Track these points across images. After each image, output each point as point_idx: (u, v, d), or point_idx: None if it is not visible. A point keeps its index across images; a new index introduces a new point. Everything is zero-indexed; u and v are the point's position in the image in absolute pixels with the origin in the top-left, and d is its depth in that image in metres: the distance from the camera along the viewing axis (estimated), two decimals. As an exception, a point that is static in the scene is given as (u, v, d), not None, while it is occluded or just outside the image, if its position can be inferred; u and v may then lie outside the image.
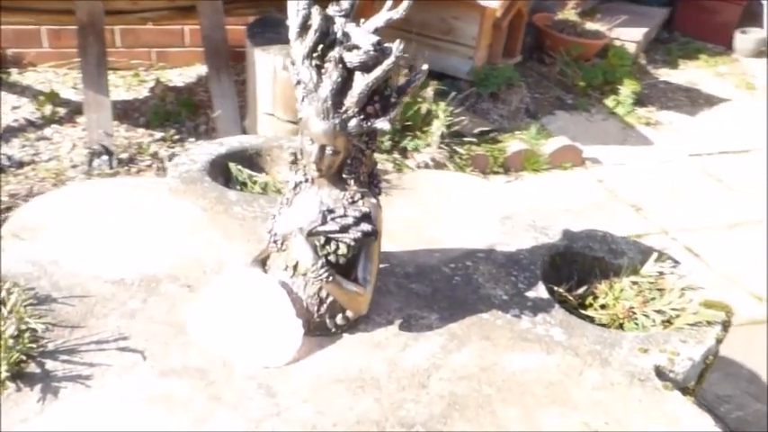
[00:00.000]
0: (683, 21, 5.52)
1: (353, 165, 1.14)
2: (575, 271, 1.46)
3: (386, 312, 1.26)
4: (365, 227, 1.13)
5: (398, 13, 1.10)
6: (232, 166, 1.68)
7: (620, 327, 1.35)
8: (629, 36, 4.84)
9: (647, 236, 3.07)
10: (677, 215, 3.38)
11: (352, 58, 1.07)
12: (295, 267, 1.16)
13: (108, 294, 1.24)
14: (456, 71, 3.87)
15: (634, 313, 1.35)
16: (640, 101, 4.35)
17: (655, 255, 1.44)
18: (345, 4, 1.11)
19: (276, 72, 3.01)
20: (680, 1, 5.52)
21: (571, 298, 1.40)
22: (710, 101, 4.59)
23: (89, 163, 3.10)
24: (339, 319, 1.19)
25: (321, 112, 1.09)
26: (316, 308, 1.17)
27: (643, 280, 1.41)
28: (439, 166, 3.35)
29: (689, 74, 4.96)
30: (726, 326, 1.30)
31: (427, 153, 3.40)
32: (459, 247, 1.46)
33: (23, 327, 1.11)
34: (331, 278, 1.13)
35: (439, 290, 1.33)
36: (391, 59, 1.06)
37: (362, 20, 1.14)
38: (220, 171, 1.67)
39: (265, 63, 3.04)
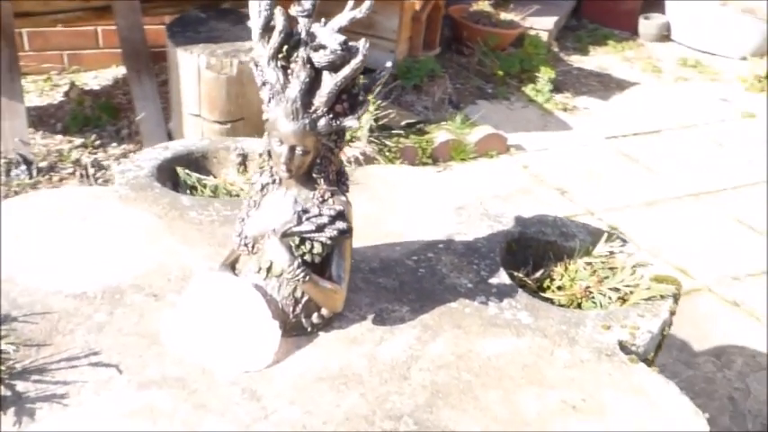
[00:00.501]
0: (590, 8, 5.74)
1: (323, 164, 1.14)
2: (530, 256, 1.51)
3: (357, 308, 1.27)
4: (340, 225, 1.14)
5: (361, 12, 1.11)
6: (180, 170, 1.65)
7: (579, 306, 1.41)
8: (542, 25, 4.99)
9: (575, 217, 3.17)
10: (600, 196, 3.53)
11: (320, 58, 1.07)
12: (269, 269, 1.15)
13: (71, 309, 1.20)
14: (378, 64, 3.88)
15: (591, 293, 1.41)
16: (557, 87, 4.50)
17: (605, 235, 1.50)
18: (307, 5, 1.11)
19: (200, 72, 2.95)
20: (586, -11, 5.75)
21: (530, 282, 1.45)
22: (621, 85, 4.80)
23: (6, 173, 2.96)
24: (315, 317, 1.19)
25: (290, 113, 1.08)
26: (291, 308, 1.17)
27: (596, 260, 1.48)
28: (369, 159, 3.37)
29: (599, 60, 5.16)
30: (676, 298, 1.38)
31: (357, 147, 3.42)
32: (419, 239, 1.49)
33: (-11, 349, 1.07)
34: (308, 278, 1.13)
35: (406, 282, 1.35)
36: (359, 58, 1.07)
37: (323, 19, 1.14)
38: (168, 176, 1.63)
39: (189, 63, 2.97)
